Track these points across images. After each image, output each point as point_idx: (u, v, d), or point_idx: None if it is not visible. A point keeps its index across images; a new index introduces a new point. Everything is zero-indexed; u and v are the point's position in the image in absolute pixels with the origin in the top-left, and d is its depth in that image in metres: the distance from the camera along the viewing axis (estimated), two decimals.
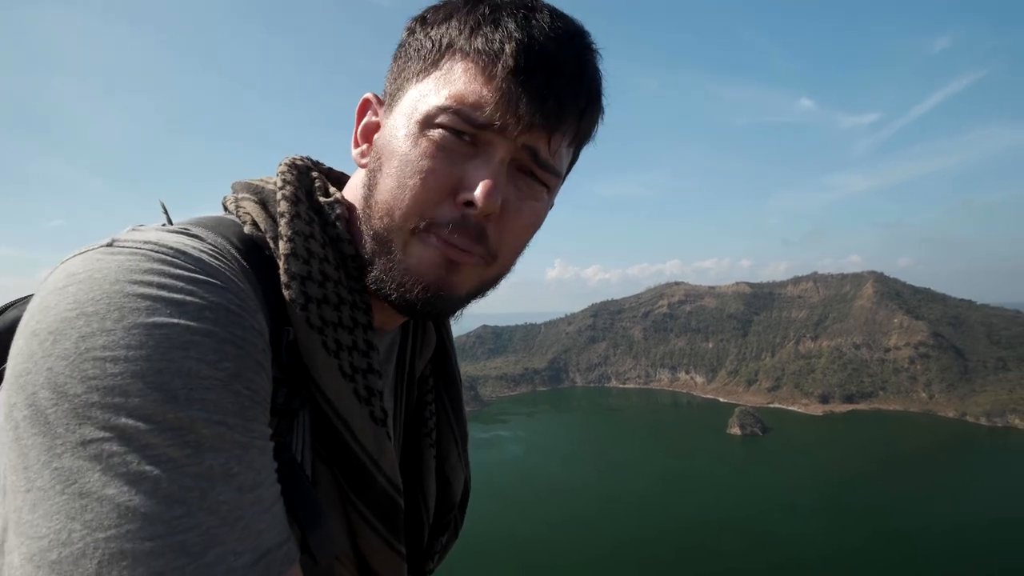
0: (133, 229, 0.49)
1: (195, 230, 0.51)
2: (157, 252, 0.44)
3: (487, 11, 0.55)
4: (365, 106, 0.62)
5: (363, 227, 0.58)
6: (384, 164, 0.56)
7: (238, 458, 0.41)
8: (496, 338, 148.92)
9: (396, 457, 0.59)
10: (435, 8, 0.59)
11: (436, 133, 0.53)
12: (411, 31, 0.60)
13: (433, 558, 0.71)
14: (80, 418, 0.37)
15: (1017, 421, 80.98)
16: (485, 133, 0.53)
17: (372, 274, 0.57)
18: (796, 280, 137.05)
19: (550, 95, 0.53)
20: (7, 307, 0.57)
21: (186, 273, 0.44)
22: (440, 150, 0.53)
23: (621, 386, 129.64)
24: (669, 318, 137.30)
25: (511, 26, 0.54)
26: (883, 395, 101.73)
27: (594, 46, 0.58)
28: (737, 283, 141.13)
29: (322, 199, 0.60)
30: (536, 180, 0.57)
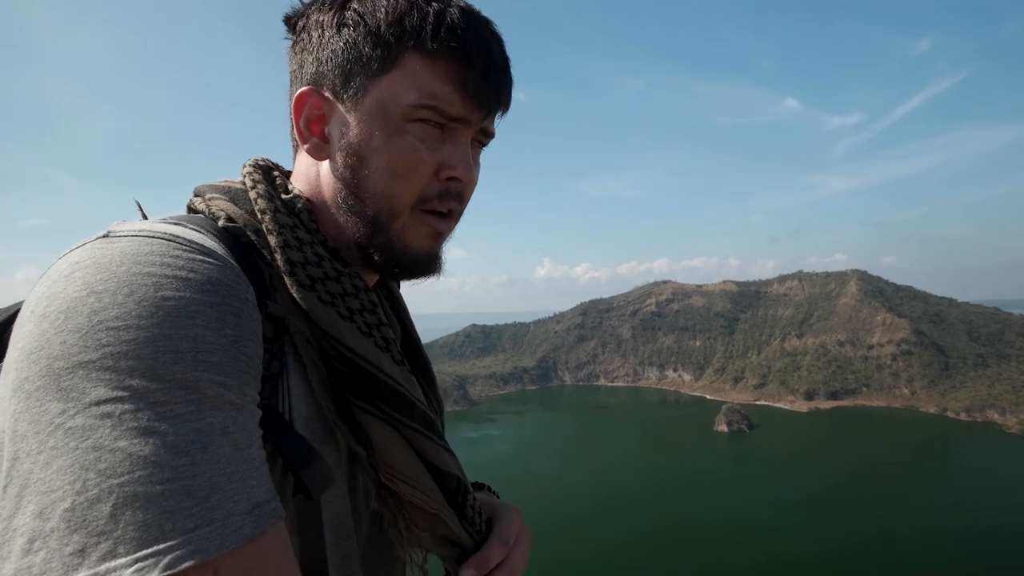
0: (122, 222, 0.54)
1: (176, 221, 0.56)
2: (154, 237, 0.49)
3: (436, 12, 0.61)
4: (303, 100, 0.66)
5: (342, 216, 0.66)
6: (370, 159, 0.62)
7: (233, 418, 0.44)
8: (485, 337, 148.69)
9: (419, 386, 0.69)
10: (365, 1, 0.63)
11: (416, 127, 0.62)
12: (343, 24, 0.63)
13: None
14: (94, 381, 0.40)
15: (995, 416, 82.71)
16: (453, 124, 0.63)
17: (376, 256, 0.66)
18: (782, 278, 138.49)
19: (498, 88, 0.65)
20: None
21: (185, 252, 0.48)
22: (422, 141, 0.62)
23: (610, 384, 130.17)
24: (657, 316, 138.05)
25: (465, 28, 0.62)
26: (867, 391, 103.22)
27: (501, 33, 0.68)
28: (724, 281, 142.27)
29: (284, 196, 0.66)
30: (479, 147, 0.71)
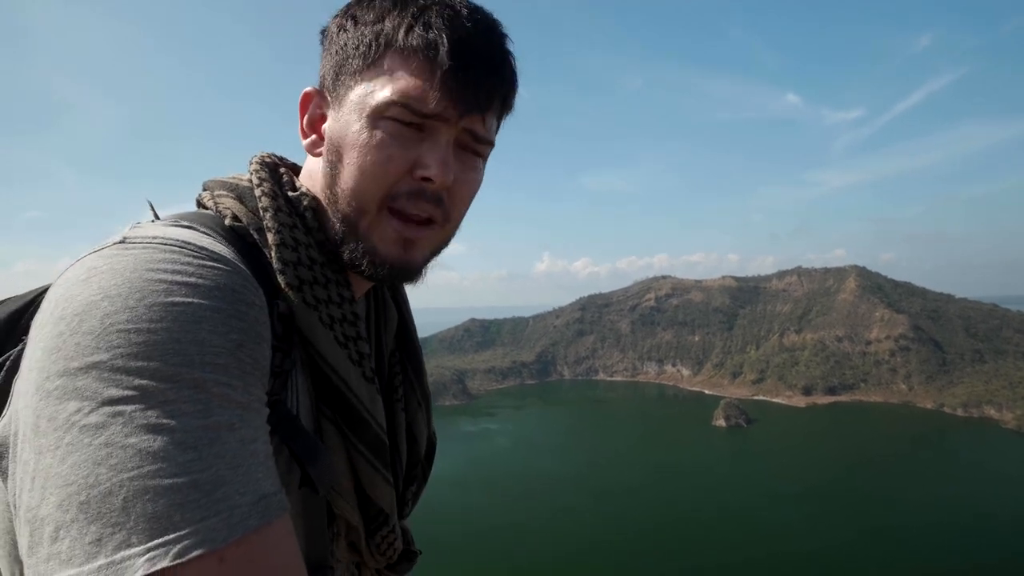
0: (136, 226, 0.57)
1: (188, 223, 0.58)
2: (167, 244, 0.51)
3: (417, 10, 0.63)
4: (307, 99, 0.69)
5: (330, 212, 0.67)
6: (344, 155, 0.64)
7: (239, 416, 0.47)
8: (484, 331, 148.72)
9: (383, 408, 0.71)
10: (362, 5, 0.66)
11: (388, 124, 0.62)
12: (342, 28, 0.66)
13: (408, 504, 0.82)
14: (106, 381, 0.43)
15: (992, 412, 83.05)
16: (430, 121, 0.62)
17: (346, 255, 0.66)
18: (781, 274, 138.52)
19: (480, 84, 0.63)
20: None
21: (195, 259, 0.51)
22: (394, 138, 0.62)
23: (609, 379, 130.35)
24: (656, 311, 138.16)
25: (442, 24, 0.61)
26: (864, 387, 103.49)
27: (505, 32, 0.67)
28: (723, 277, 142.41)
29: (291, 193, 0.68)
30: (472, 153, 0.68)
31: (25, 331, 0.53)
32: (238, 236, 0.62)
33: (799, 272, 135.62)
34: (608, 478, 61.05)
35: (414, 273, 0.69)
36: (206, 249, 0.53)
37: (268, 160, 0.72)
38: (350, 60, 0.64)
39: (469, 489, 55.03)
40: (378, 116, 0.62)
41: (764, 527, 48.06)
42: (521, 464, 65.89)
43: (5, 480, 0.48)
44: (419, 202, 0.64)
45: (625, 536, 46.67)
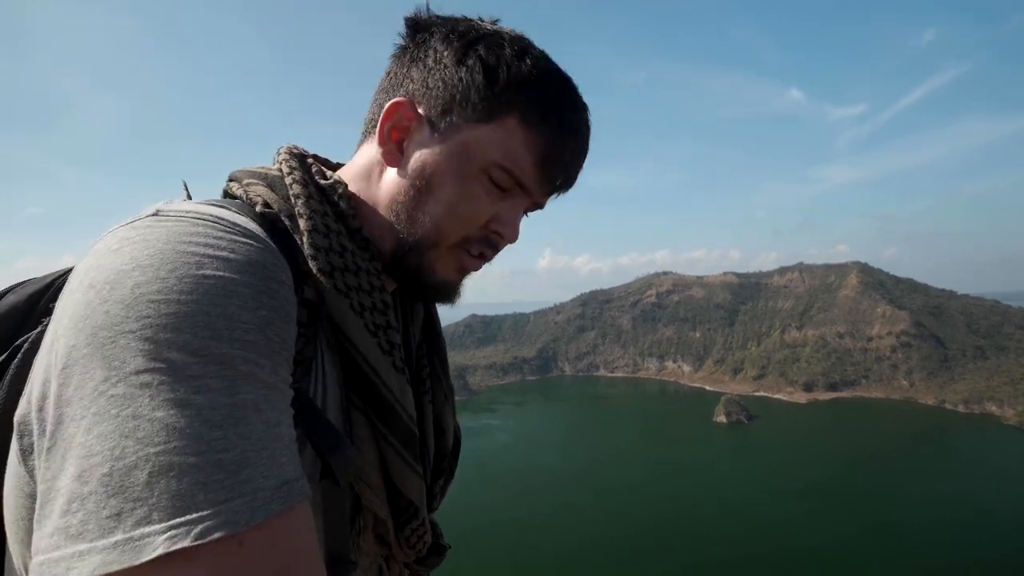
0: (170, 202, 0.56)
1: (220, 203, 0.59)
2: (200, 218, 0.51)
3: (556, 94, 0.66)
4: (397, 109, 0.68)
5: (388, 223, 0.69)
6: (435, 188, 0.66)
7: (265, 396, 0.45)
8: (485, 327, 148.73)
9: (413, 399, 0.69)
10: (492, 49, 0.65)
11: (487, 180, 0.66)
12: (462, 62, 0.65)
13: (436, 498, 0.81)
14: (134, 351, 0.41)
15: (993, 408, 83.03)
16: (519, 189, 0.68)
17: (402, 273, 0.70)
18: (782, 271, 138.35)
19: (570, 175, 0.71)
20: (5, 292, 0.62)
21: (228, 234, 0.50)
22: (488, 195, 0.67)
23: (609, 375, 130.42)
24: (657, 308, 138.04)
25: (574, 123, 0.67)
26: (866, 383, 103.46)
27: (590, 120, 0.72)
28: (725, 273, 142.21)
29: (322, 181, 0.68)
30: (525, 212, 0.74)
31: (44, 314, 0.53)
32: (269, 222, 0.61)
33: (801, 268, 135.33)
34: (609, 474, 61.10)
35: (458, 294, 0.74)
36: (239, 225, 0.52)
37: (296, 151, 0.72)
38: (471, 103, 0.64)
39: (470, 485, 55.02)
40: (482, 170, 0.65)
41: (765, 523, 48.12)
42: (522, 460, 65.96)
43: (26, 462, 0.46)
44: (484, 247, 0.71)
45: (626, 532, 46.73)
